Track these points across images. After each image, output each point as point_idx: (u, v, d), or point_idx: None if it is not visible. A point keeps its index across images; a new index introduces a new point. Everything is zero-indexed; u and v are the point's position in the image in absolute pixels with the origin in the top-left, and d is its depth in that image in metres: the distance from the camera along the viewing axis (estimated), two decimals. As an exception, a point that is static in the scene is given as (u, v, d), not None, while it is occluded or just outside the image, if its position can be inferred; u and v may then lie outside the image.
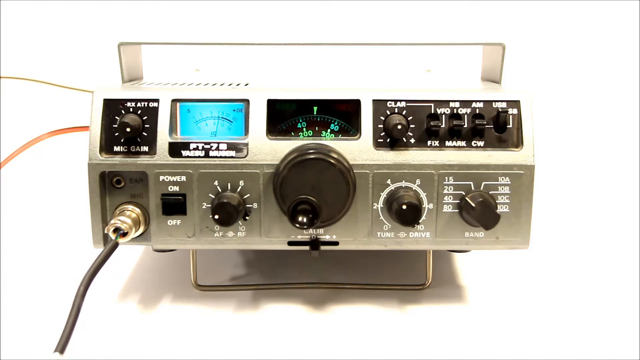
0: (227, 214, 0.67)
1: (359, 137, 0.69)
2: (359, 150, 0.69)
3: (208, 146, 0.69)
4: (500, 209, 0.69)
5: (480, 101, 0.70)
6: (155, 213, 0.70)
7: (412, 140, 0.69)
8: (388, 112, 0.70)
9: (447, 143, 0.70)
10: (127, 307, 0.75)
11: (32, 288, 0.79)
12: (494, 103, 0.70)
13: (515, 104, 0.70)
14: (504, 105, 0.70)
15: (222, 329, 0.70)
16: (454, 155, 0.69)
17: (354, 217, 0.70)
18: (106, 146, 0.69)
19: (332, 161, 0.66)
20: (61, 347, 0.59)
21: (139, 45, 0.82)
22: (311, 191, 0.66)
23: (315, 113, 0.70)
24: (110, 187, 0.70)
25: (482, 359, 0.64)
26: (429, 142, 0.70)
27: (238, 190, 0.69)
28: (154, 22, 1.36)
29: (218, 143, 0.69)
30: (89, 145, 0.69)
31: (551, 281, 0.82)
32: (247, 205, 0.69)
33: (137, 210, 0.69)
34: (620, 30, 1.38)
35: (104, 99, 0.70)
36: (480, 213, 0.67)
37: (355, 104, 0.70)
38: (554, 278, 0.83)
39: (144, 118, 0.69)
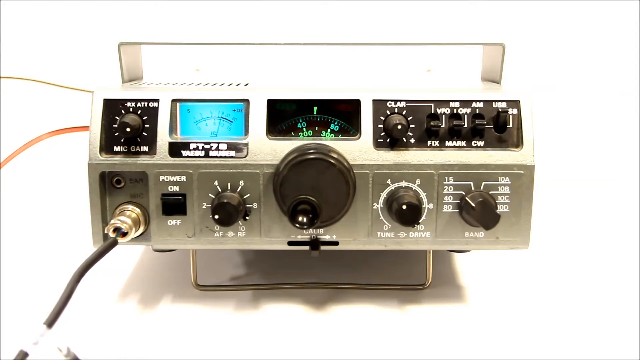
0: (227, 214, 0.67)
1: (359, 137, 0.69)
2: (359, 150, 0.69)
3: (208, 146, 0.69)
4: (500, 209, 0.69)
5: (480, 101, 0.70)
6: (155, 213, 0.70)
7: (412, 140, 0.69)
8: (388, 112, 0.70)
9: (447, 143, 0.70)
10: (127, 307, 0.75)
11: (32, 288, 0.79)
12: (494, 103, 0.70)
13: (515, 104, 0.70)
14: (504, 105, 0.70)
15: (222, 329, 0.70)
16: (454, 155, 0.69)
17: (354, 217, 0.70)
18: (106, 146, 0.69)
19: (332, 161, 0.66)
20: (49, 322, 0.58)
21: (139, 45, 0.82)
22: (311, 191, 0.66)
23: (315, 113, 0.70)
24: (110, 187, 0.70)
25: (482, 359, 0.64)
26: (429, 142, 0.70)
27: (238, 190, 0.69)
28: (154, 22, 1.36)
29: (218, 143, 0.69)
30: (89, 145, 0.69)
31: (551, 281, 0.82)
32: (247, 205, 0.69)
33: (137, 210, 0.69)
34: (620, 30, 1.38)
35: (104, 99, 0.70)
36: (480, 213, 0.67)
37: (355, 104, 0.70)
38: (553, 278, 0.83)
39: (144, 118, 0.69)
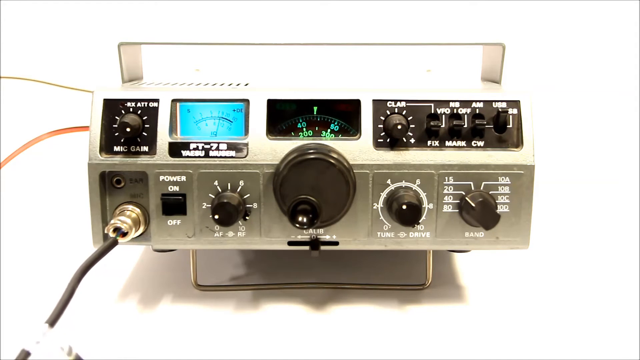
0: (227, 214, 0.67)
1: (359, 137, 0.69)
2: (359, 150, 0.69)
3: (208, 146, 0.69)
4: (500, 209, 0.69)
5: (480, 101, 0.70)
6: (155, 213, 0.70)
7: (412, 140, 0.69)
8: (388, 112, 0.70)
9: (447, 143, 0.70)
10: (127, 307, 0.75)
11: (32, 288, 0.79)
12: (494, 103, 0.70)
13: (515, 104, 0.70)
14: (504, 105, 0.70)
15: (222, 329, 0.70)
16: (454, 155, 0.69)
17: (354, 217, 0.70)
18: (106, 146, 0.69)
19: (332, 161, 0.66)
20: (51, 321, 0.58)
21: (139, 45, 0.82)
22: (311, 191, 0.66)
23: (315, 113, 0.70)
24: (110, 187, 0.70)
25: (482, 359, 0.64)
26: (429, 142, 0.70)
27: (238, 190, 0.69)
28: (154, 22, 1.36)
29: (218, 143, 0.69)
30: (89, 145, 0.69)
31: (551, 281, 0.82)
32: (247, 205, 0.69)
33: (137, 210, 0.69)
34: (620, 30, 1.38)
35: (104, 99, 0.70)
36: (480, 213, 0.67)
37: (355, 104, 0.70)
38: (553, 278, 0.83)
39: (144, 118, 0.69)
